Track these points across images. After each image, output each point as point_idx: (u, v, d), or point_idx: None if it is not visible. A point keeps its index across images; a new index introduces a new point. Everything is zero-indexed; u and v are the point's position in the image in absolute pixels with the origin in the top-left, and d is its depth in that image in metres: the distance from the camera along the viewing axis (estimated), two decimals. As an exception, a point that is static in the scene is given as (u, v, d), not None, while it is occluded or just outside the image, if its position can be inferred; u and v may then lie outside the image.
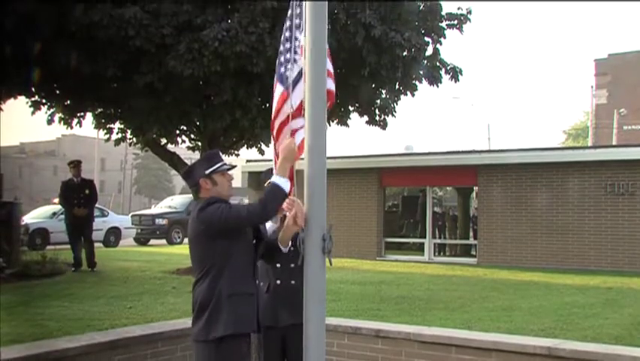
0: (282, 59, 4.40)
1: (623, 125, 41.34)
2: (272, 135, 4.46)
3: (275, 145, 4.39)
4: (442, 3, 14.74)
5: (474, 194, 20.15)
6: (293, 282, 4.72)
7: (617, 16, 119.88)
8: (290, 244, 4.27)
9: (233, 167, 4.31)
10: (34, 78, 13.41)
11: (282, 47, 4.43)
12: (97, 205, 16.48)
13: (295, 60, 4.32)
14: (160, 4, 12.03)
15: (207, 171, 4.12)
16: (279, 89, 4.37)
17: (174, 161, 16.00)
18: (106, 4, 11.91)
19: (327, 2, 3.91)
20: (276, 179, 3.91)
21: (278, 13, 11.74)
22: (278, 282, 4.83)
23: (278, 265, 4.79)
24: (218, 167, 4.16)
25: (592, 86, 45.16)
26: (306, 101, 3.89)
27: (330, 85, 4.33)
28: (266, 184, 4.22)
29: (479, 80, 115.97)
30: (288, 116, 4.26)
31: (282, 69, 4.37)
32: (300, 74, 4.25)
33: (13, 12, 11.50)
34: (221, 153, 4.48)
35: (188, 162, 14.79)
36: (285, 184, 3.89)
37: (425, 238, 19.73)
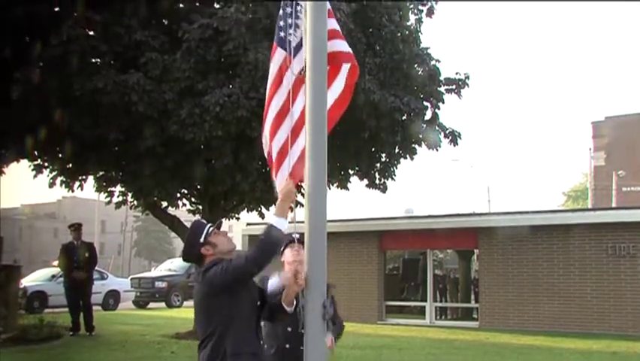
0: (282, 23, 4.28)
1: (622, 186, 41.46)
2: (264, 113, 4.29)
3: (264, 129, 4.28)
4: (440, 67, 14.99)
5: (475, 256, 20.08)
6: (302, 348, 4.70)
7: (613, 80, 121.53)
8: (295, 304, 4.22)
9: (221, 222, 4.40)
10: (37, 142, 13.56)
11: (281, 12, 4.30)
12: (96, 268, 16.43)
13: (297, 25, 4.24)
14: (163, 70, 12.23)
15: (202, 240, 4.16)
16: (279, 53, 4.24)
17: (175, 224, 16.03)
18: (110, 70, 12.14)
19: (327, 2, 3.99)
20: (272, 219, 3.92)
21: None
22: (287, 346, 4.79)
23: (289, 329, 4.75)
24: (209, 230, 4.21)
25: (590, 148, 45.50)
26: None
27: (342, 46, 4.26)
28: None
29: (478, 142, 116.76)
30: (288, 104, 4.15)
31: (282, 33, 4.26)
32: (301, 42, 4.20)
33: (19, 79, 11.74)
34: (202, 220, 4.54)
35: (188, 225, 14.83)
36: (282, 224, 3.87)
37: (426, 301, 19.57)
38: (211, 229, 4.22)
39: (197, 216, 17.00)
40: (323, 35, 3.98)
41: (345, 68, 4.33)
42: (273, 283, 4.58)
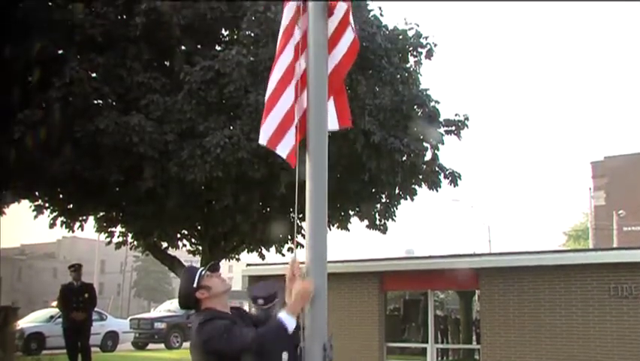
0: None
1: (623, 226, 41.42)
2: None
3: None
4: (439, 109, 15.09)
5: (476, 297, 19.96)
6: None
7: (611, 120, 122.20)
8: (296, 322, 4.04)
9: (211, 264, 4.41)
10: (38, 183, 13.61)
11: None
12: (95, 309, 16.33)
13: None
14: (164, 111, 12.32)
15: (196, 285, 4.17)
16: (290, 7, 4.08)
17: (174, 265, 16.00)
18: (112, 112, 12.23)
19: (327, 2, 3.96)
20: (283, 315, 3.88)
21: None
22: None
23: (285, 357, 4.70)
24: (201, 274, 4.22)
25: (590, 188, 45.55)
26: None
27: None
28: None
29: (478, 182, 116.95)
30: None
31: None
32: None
33: (21, 120, 11.82)
34: (193, 265, 4.55)
35: (188, 265, 14.77)
36: (290, 323, 3.84)
37: (427, 342, 19.39)
38: (204, 272, 4.24)
39: (197, 257, 16.97)
40: (323, 35, 4.00)
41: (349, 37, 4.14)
42: (260, 287, 4.54)
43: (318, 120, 3.98)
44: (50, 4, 12.22)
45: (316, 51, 3.98)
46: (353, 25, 4.09)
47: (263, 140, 4.14)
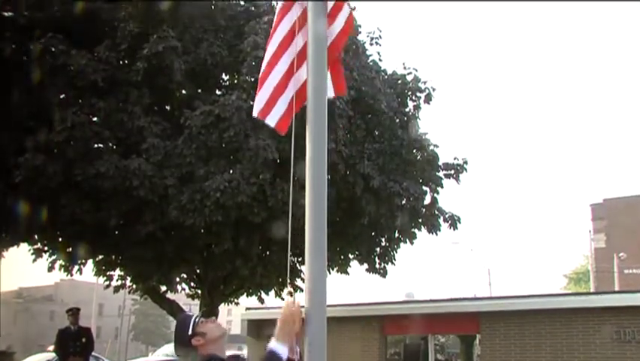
0: None
1: (624, 269, 41.23)
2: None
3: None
4: (438, 152, 15.17)
5: (477, 341, 19.77)
6: None
7: (610, 163, 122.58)
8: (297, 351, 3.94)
9: (204, 311, 4.40)
10: (37, 226, 13.59)
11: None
12: (93, 353, 16.15)
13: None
14: (164, 156, 12.38)
15: (190, 332, 4.16)
16: (295, 9, 4.17)
17: (173, 309, 15.90)
18: (112, 155, 12.28)
19: (327, 2, 4.01)
20: (272, 344, 3.83)
21: (279, 165, 12.08)
22: None
23: None
24: (196, 320, 4.21)
25: (590, 231, 45.46)
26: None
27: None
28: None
29: (478, 225, 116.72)
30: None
31: None
32: None
33: (22, 164, 11.87)
34: (187, 313, 4.53)
35: (187, 309, 14.70)
36: (282, 351, 3.78)
37: (428, 387, 19.16)
38: (198, 319, 4.22)
39: (197, 301, 16.88)
40: (323, 35, 4.02)
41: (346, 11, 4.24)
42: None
43: (318, 135, 4.04)
44: (54, 49, 12.33)
45: (316, 50, 3.96)
46: (349, 3, 4.24)
47: (255, 112, 4.19)
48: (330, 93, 4.24)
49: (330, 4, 4.11)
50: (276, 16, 4.22)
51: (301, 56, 4.11)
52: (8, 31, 13.04)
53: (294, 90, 4.13)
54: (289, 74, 4.15)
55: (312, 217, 3.91)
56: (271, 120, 4.18)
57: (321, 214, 3.93)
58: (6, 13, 13.69)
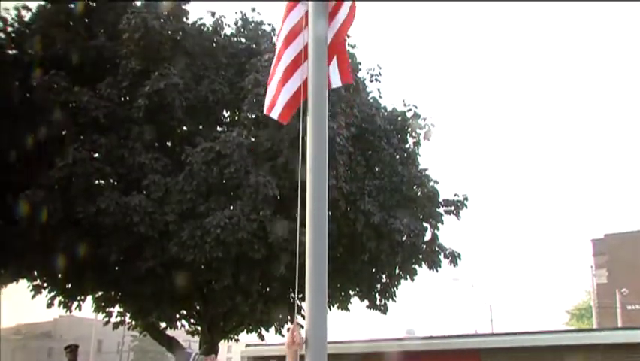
0: None
1: (627, 304, 40.96)
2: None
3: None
4: (438, 189, 15.18)
5: (479, 379, 19.55)
6: None
7: (610, 198, 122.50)
8: None
9: (205, 348, 4.38)
10: (37, 263, 13.56)
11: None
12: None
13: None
14: (165, 192, 12.40)
15: None
16: (298, 10, 4.36)
17: (172, 346, 15.77)
18: (113, 192, 12.31)
19: (327, 2, 4.14)
20: None
21: (279, 201, 12.10)
22: None
23: None
24: (194, 358, 4.20)
25: (591, 266, 45.26)
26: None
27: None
28: None
29: (479, 261, 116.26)
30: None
31: None
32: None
33: (22, 200, 11.89)
34: (186, 350, 4.51)
35: (186, 345, 14.59)
36: None
37: None
38: (197, 356, 4.21)
39: (196, 338, 16.76)
40: (323, 36, 4.13)
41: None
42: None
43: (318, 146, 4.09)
44: (56, 86, 12.45)
45: (316, 50, 4.11)
46: None
47: (265, 109, 4.51)
48: (337, 82, 4.42)
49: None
50: (282, 16, 4.43)
51: (305, 52, 4.28)
52: (12, 68, 13.17)
53: (300, 81, 4.29)
54: (293, 67, 4.33)
55: (312, 254, 3.92)
56: (275, 113, 4.40)
57: (322, 251, 3.95)
58: (10, 51, 13.84)
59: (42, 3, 14.22)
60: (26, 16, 14.26)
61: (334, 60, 4.39)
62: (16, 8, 14.19)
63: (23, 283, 14.87)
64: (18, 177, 12.41)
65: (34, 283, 14.71)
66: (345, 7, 4.26)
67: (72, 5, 14.40)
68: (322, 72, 4.12)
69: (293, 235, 11.41)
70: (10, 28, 14.08)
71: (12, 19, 14.13)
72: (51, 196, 12.07)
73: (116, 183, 13.05)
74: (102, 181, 13.03)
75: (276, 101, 4.41)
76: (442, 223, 15.14)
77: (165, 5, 13.79)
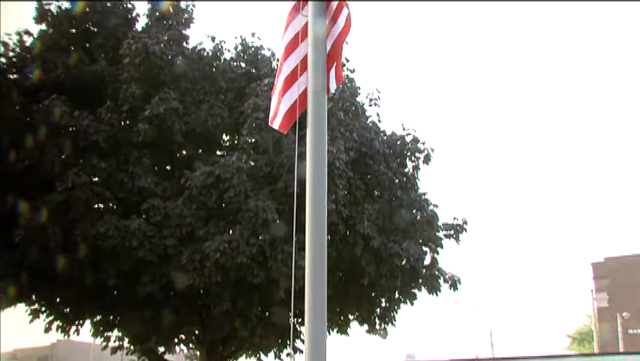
0: None
1: (628, 328, 40.78)
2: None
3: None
4: (438, 213, 15.17)
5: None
6: None
7: (610, 221, 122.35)
8: None
9: None
10: (35, 287, 13.51)
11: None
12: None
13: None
14: (164, 216, 12.40)
15: None
16: (299, 20, 4.51)
17: (171, 371, 15.67)
18: (112, 216, 12.31)
19: (325, 2, 4.26)
20: None
21: (278, 226, 12.10)
22: None
23: None
24: None
25: (592, 290, 45.10)
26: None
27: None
28: None
29: (479, 284, 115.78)
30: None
31: None
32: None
33: (22, 224, 11.89)
34: None
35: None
36: None
37: None
38: None
39: (195, 363, 16.69)
40: (322, 36, 4.23)
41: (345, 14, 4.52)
42: None
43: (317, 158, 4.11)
44: (56, 110, 12.49)
45: (316, 50, 4.23)
46: (347, 4, 4.46)
47: (269, 121, 4.70)
48: (334, 86, 4.51)
49: (335, 4, 4.39)
50: (284, 26, 4.62)
51: (304, 63, 4.43)
52: (13, 93, 13.23)
53: (297, 92, 4.44)
54: (292, 78, 4.50)
55: (311, 278, 3.93)
56: (276, 123, 4.56)
57: (321, 275, 3.96)
58: (11, 76, 13.92)
59: (43, 28, 14.33)
60: (28, 41, 14.36)
61: (333, 67, 4.49)
62: (18, 33, 14.30)
63: (21, 307, 14.81)
64: (17, 202, 12.40)
65: (32, 307, 14.64)
66: (343, 16, 4.38)
67: (73, 30, 14.52)
68: (321, 72, 4.23)
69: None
70: (11, 53, 14.16)
71: (14, 43, 14.22)
72: (50, 220, 12.07)
73: (115, 207, 13.05)
74: (102, 205, 13.04)
75: (277, 112, 4.56)
76: (442, 247, 15.13)
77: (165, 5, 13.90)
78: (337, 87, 14.22)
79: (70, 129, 12.77)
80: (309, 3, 4.34)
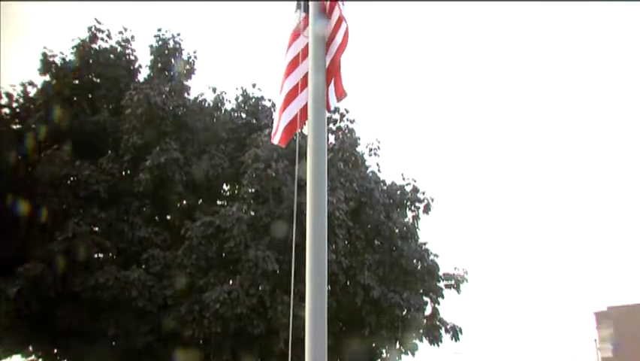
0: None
1: (635, 379, 40.28)
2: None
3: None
4: (438, 263, 15.12)
5: None
6: None
7: (612, 270, 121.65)
8: None
9: None
10: (32, 337, 13.39)
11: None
12: None
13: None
14: (164, 266, 12.39)
15: None
16: (300, 41, 4.65)
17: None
18: (112, 266, 12.31)
19: (323, 2, 4.42)
20: None
21: (278, 276, 12.08)
22: None
23: None
24: None
25: (595, 340, 44.67)
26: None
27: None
28: None
29: (481, 334, 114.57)
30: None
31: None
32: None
33: (20, 274, 11.85)
34: None
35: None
36: None
37: None
38: None
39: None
40: (322, 35, 4.38)
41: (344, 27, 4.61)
42: None
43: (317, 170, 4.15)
44: (58, 160, 12.58)
45: (316, 50, 4.41)
46: (346, 19, 4.58)
47: (271, 137, 4.87)
48: (334, 102, 4.61)
49: (333, 22, 4.54)
50: (285, 48, 4.80)
51: (304, 80, 4.60)
52: (16, 143, 13.34)
53: (297, 108, 4.61)
54: (292, 94, 4.66)
55: (311, 328, 3.92)
56: (275, 139, 4.70)
57: (321, 325, 3.98)
58: (14, 126, 14.05)
59: (47, 79, 14.50)
60: (32, 92, 14.52)
61: (332, 83, 4.63)
62: (22, 84, 14.47)
63: (17, 358, 14.66)
64: (17, 251, 12.39)
65: (30, 358, 14.49)
66: (341, 33, 4.51)
67: (77, 81, 14.70)
68: (321, 71, 4.39)
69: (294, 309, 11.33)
70: (15, 104, 14.31)
71: (17, 94, 14.38)
72: (50, 270, 12.06)
73: (115, 256, 13.05)
74: (101, 255, 13.04)
75: (277, 129, 4.70)
76: (443, 298, 15.04)
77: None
78: (338, 139, 14.37)
79: (72, 179, 12.85)
80: (310, 3, 4.55)
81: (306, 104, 4.44)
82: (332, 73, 4.52)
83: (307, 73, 4.50)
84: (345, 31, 4.52)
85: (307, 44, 4.57)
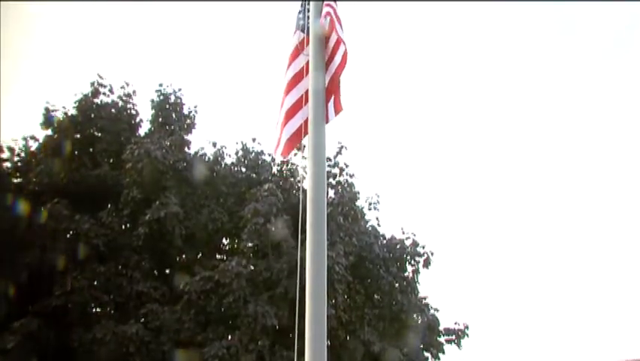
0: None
1: None
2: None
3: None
4: (439, 317, 15.01)
5: None
6: None
7: (622, 322, 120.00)
8: None
9: None
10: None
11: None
12: None
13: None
14: (162, 321, 12.29)
15: None
16: (299, 60, 4.78)
17: None
18: (110, 321, 12.21)
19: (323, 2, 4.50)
20: None
21: (278, 332, 11.97)
22: None
23: None
24: None
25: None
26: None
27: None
28: None
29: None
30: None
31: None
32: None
33: (17, 329, 11.74)
34: None
35: None
36: None
37: None
38: None
39: None
40: (321, 35, 4.51)
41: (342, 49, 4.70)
42: None
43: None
44: (57, 214, 12.59)
45: (316, 50, 4.54)
46: (345, 41, 4.70)
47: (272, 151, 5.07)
48: (332, 117, 4.72)
49: (332, 44, 4.68)
50: (286, 65, 4.93)
51: (306, 96, 4.72)
52: (16, 197, 13.37)
53: (301, 120, 4.70)
54: (294, 109, 4.79)
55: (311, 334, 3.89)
56: (278, 151, 4.81)
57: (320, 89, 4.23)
58: (15, 180, 14.10)
59: (49, 133, 14.61)
60: (33, 146, 14.62)
61: (331, 99, 4.74)
62: (24, 138, 14.58)
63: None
64: (14, 306, 12.30)
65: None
66: (340, 53, 4.64)
67: (78, 135, 14.81)
68: (321, 71, 4.53)
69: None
70: (16, 158, 14.39)
71: (19, 148, 14.47)
72: (47, 325, 11.96)
73: (113, 311, 12.96)
74: (99, 309, 12.95)
75: (279, 142, 4.81)
76: (443, 353, 14.88)
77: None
78: (337, 193, 14.42)
79: (71, 233, 12.85)
80: (311, 3, 4.72)
81: (306, 122, 4.61)
82: (331, 91, 4.67)
83: (308, 90, 4.66)
84: (344, 53, 4.68)
85: (307, 62, 4.72)
